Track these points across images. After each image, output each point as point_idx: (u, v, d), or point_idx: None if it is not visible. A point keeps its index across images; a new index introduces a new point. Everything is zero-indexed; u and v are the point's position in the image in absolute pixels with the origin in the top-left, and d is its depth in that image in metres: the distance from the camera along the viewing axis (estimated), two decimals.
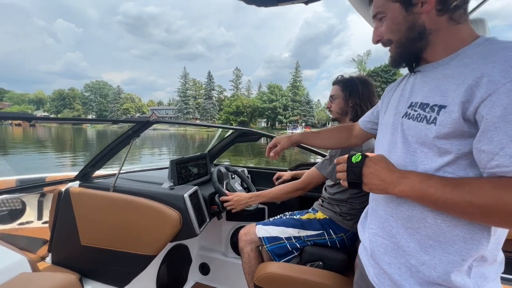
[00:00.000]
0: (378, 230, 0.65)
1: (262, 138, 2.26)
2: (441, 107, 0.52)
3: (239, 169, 1.86)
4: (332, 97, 1.41)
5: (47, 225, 1.90)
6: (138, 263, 1.26)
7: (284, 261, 1.30)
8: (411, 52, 0.61)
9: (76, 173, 1.46)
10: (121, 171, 1.37)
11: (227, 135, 2.18)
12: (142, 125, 1.28)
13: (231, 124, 49.79)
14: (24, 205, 1.96)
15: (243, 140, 2.18)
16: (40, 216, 2.02)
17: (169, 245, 1.64)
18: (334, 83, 1.43)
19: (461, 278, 0.53)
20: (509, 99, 0.43)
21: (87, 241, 1.31)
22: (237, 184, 1.64)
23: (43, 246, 1.59)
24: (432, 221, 0.55)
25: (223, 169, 1.67)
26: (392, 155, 0.62)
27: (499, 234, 0.55)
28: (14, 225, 1.88)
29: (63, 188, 1.37)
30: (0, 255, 0.79)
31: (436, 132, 0.52)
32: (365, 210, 0.79)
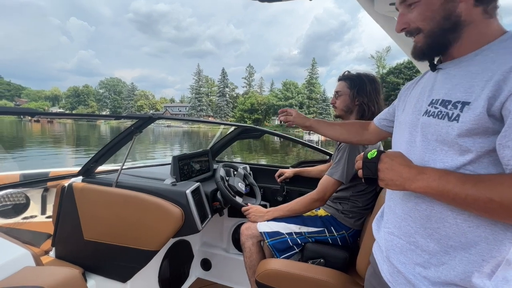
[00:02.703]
0: (394, 230, 0.64)
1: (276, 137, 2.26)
2: (465, 103, 0.50)
3: (242, 166, 1.86)
4: (337, 93, 1.38)
5: (51, 219, 1.91)
6: (140, 258, 1.27)
7: (285, 257, 1.30)
8: (441, 43, 0.57)
9: (79, 168, 1.47)
10: (124, 167, 1.38)
11: (229, 131, 2.18)
12: (144, 121, 1.27)
13: (246, 122, 49.63)
14: (28, 199, 1.98)
15: (245, 137, 2.17)
16: (44, 211, 2.04)
17: (171, 241, 1.64)
18: (340, 79, 1.39)
19: (481, 280, 0.52)
20: None
21: (90, 236, 1.32)
22: (239, 182, 1.64)
23: (46, 240, 1.61)
24: (452, 221, 0.54)
25: (225, 167, 1.67)
26: (410, 154, 0.61)
27: None
28: (18, 219, 1.90)
29: (66, 183, 1.38)
30: (4, 249, 0.80)
31: (458, 129, 0.50)
32: (381, 210, 0.79)
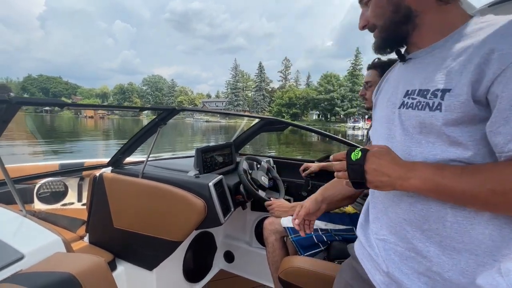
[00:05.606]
0: (390, 237, 0.57)
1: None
2: (445, 91, 0.47)
3: (265, 159, 1.82)
4: (367, 83, 1.28)
5: (85, 207, 2.05)
6: (165, 248, 1.30)
7: (309, 255, 1.24)
8: (396, 36, 0.57)
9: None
10: (149, 158, 1.40)
11: (252, 124, 2.15)
12: (168, 113, 1.28)
13: (283, 117, 48.78)
14: (66, 187, 2.13)
15: (269, 130, 2.12)
16: (80, 198, 2.19)
17: (195, 232, 1.67)
18: (369, 68, 1.29)
19: (492, 278, 0.46)
20: None
21: (119, 224, 1.37)
22: (262, 175, 1.60)
23: (82, 226, 1.71)
24: (452, 219, 0.48)
25: (248, 160, 1.64)
26: (392, 149, 0.55)
27: None
28: (58, 205, 2.06)
29: (97, 173, 1.45)
30: (38, 234, 0.85)
31: (443, 118, 0.47)
32: (363, 212, 0.71)
